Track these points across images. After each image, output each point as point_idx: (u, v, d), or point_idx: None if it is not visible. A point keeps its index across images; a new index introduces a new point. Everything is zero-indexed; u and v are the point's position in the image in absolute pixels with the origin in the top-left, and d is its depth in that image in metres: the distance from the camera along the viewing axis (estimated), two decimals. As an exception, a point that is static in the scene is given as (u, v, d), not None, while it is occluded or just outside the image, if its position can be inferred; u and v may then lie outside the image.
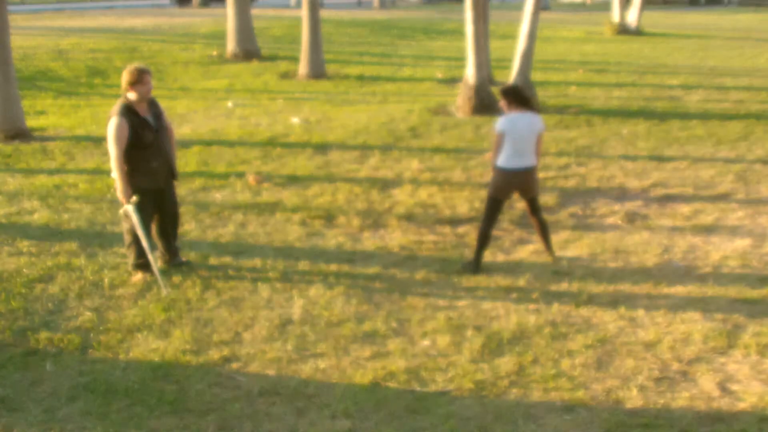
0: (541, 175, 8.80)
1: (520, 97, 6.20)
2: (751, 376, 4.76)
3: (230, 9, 19.72)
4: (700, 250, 6.90)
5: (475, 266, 6.37)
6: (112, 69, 17.21)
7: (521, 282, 6.18)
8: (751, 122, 12.24)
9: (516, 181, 6.29)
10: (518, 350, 5.08)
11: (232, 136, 11.07)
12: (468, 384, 4.66)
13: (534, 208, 6.50)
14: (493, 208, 6.35)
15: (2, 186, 8.63)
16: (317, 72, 17.40)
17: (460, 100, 13.20)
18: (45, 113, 13.10)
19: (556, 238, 7.05)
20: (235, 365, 4.89)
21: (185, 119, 12.41)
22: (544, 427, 4.24)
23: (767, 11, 45.92)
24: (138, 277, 6.13)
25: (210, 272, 6.31)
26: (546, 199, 8.21)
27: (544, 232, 6.58)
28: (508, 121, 6.11)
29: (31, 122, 11.69)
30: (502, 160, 6.17)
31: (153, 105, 6.05)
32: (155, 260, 6.07)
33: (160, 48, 20.25)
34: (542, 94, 14.05)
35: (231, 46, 19.83)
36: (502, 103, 6.21)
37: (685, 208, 7.98)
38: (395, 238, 7.16)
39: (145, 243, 5.96)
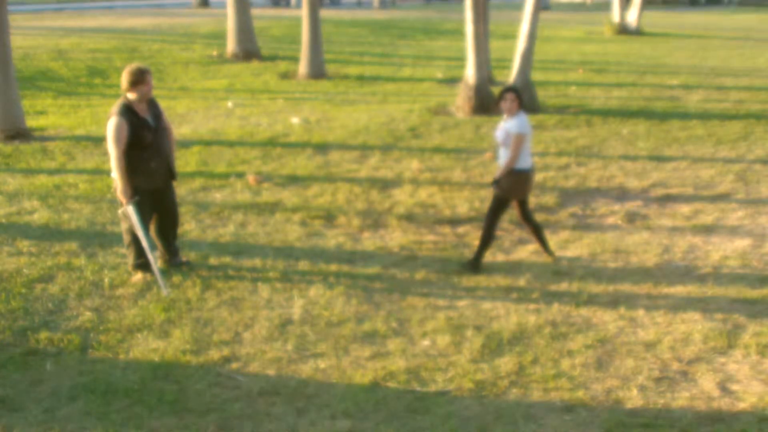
0: (541, 175, 8.85)
1: (522, 97, 6.25)
2: (751, 376, 4.76)
3: (230, 9, 19.72)
4: (700, 250, 6.90)
5: (476, 266, 6.37)
6: (112, 69, 17.21)
7: (521, 282, 6.18)
8: (751, 122, 12.24)
9: (531, 181, 6.39)
10: (518, 350, 5.08)
11: (232, 136, 11.07)
12: (468, 384, 4.66)
13: (526, 210, 6.52)
14: (502, 209, 6.37)
15: (2, 186, 8.63)
16: (317, 72, 17.40)
17: (460, 100, 13.20)
18: (45, 113, 13.09)
19: (556, 238, 7.06)
20: (235, 365, 4.89)
21: (185, 119, 12.41)
22: (544, 427, 4.24)
23: (767, 11, 45.91)
24: (138, 277, 6.13)
25: (210, 272, 6.31)
26: (546, 199, 8.21)
27: (540, 234, 6.59)
28: (526, 122, 6.14)
29: (31, 122, 11.68)
30: (521, 162, 6.17)
31: (153, 105, 6.05)
32: (155, 260, 6.07)
33: (160, 48, 20.24)
34: (542, 94, 14.05)
35: (231, 46, 19.83)
36: (514, 104, 6.12)
37: (685, 208, 7.98)
38: (395, 238, 7.16)
39: (144, 243, 5.96)
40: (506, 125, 6.15)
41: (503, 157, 6.22)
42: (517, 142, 6.06)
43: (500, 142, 6.21)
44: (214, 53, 20.00)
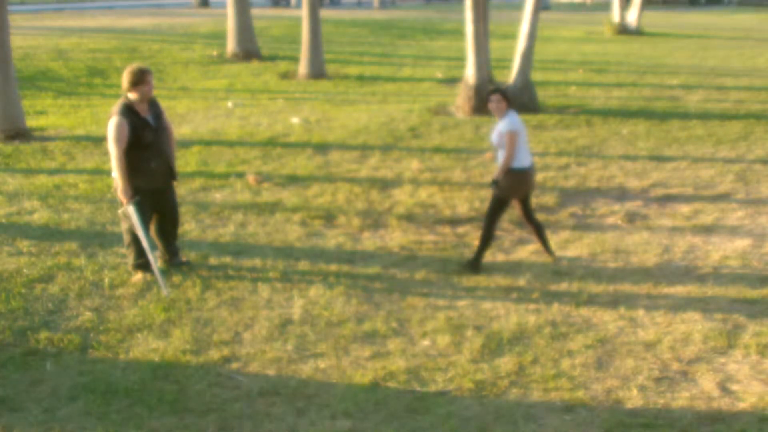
0: (541, 175, 8.85)
1: (510, 97, 6.27)
2: (751, 376, 4.76)
3: (230, 9, 19.73)
4: (700, 250, 6.90)
5: (476, 266, 6.37)
6: (112, 69, 17.21)
7: (521, 282, 6.18)
8: (751, 122, 12.24)
9: (531, 180, 6.38)
10: (518, 350, 5.08)
11: (232, 136, 11.07)
12: (468, 384, 4.66)
13: (528, 209, 6.51)
14: (501, 209, 6.36)
15: (2, 186, 8.63)
16: (317, 72, 17.40)
17: (460, 100, 13.20)
18: (45, 113, 13.09)
19: (556, 238, 7.06)
20: (235, 365, 4.89)
21: (185, 119, 12.41)
22: (544, 427, 4.24)
23: (767, 11, 45.92)
24: (138, 277, 6.13)
25: (210, 272, 6.31)
26: (546, 199, 8.21)
27: (542, 233, 6.59)
28: (517, 120, 6.14)
29: (31, 122, 11.69)
30: (519, 161, 6.17)
31: (153, 105, 6.05)
32: (155, 260, 6.07)
33: (160, 48, 20.24)
34: (542, 94, 14.05)
35: (231, 46, 19.84)
36: (502, 104, 6.15)
37: (685, 208, 7.98)
38: (395, 238, 7.16)
39: (144, 243, 5.96)
40: (498, 126, 6.17)
41: (501, 158, 6.23)
42: (510, 140, 6.07)
43: (496, 144, 6.23)
44: (214, 53, 20.00)
